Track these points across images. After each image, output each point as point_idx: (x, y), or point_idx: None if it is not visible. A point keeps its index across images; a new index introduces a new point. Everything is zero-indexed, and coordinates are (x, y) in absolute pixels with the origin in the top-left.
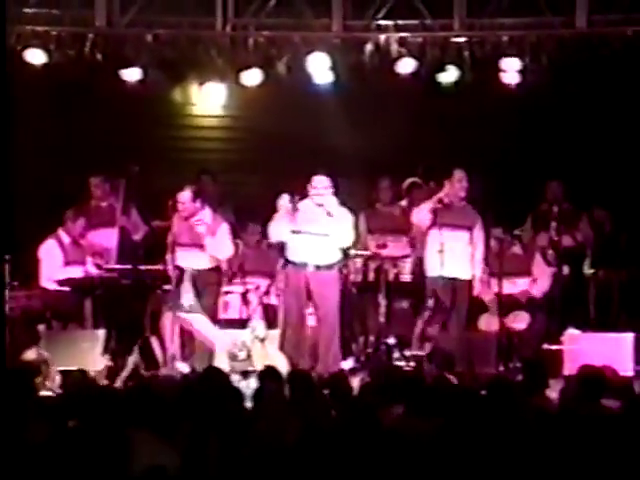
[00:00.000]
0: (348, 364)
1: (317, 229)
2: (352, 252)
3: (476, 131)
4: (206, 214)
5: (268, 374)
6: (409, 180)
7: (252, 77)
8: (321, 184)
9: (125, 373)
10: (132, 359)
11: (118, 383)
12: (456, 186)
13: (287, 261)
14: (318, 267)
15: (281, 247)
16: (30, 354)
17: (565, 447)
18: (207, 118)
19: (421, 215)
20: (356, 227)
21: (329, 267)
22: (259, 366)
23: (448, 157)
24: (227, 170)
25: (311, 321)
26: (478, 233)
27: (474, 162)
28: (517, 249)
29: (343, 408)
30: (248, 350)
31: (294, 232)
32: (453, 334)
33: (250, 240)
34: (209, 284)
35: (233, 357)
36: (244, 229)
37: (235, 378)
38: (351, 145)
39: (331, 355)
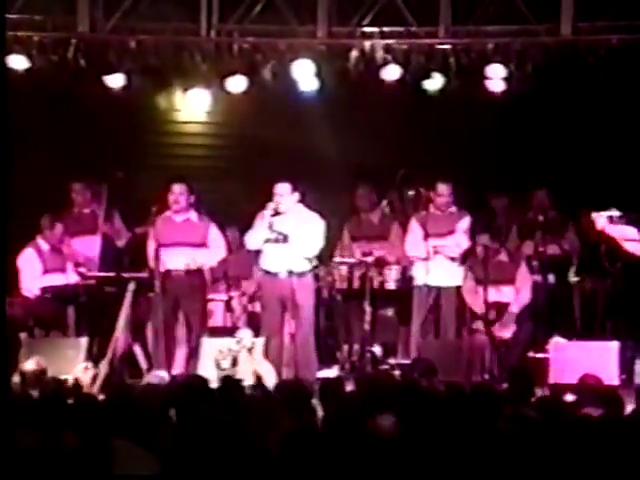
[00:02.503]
0: (333, 372)
1: (283, 237)
2: (337, 259)
3: (461, 138)
4: (192, 215)
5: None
6: (384, 202)
7: (237, 84)
8: (283, 191)
9: (99, 381)
10: (103, 366)
11: (94, 390)
12: (437, 200)
13: (263, 270)
14: (290, 275)
15: (258, 255)
16: (29, 364)
17: (547, 455)
18: (191, 125)
19: (415, 247)
20: (339, 235)
21: (301, 275)
22: (247, 375)
23: (433, 164)
24: (211, 177)
25: (289, 329)
26: (461, 235)
27: (459, 170)
28: (503, 256)
29: (332, 417)
30: (234, 358)
31: (267, 241)
32: (438, 342)
33: (230, 245)
34: (194, 287)
35: (218, 365)
36: (223, 233)
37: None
38: (336, 152)
39: (307, 362)
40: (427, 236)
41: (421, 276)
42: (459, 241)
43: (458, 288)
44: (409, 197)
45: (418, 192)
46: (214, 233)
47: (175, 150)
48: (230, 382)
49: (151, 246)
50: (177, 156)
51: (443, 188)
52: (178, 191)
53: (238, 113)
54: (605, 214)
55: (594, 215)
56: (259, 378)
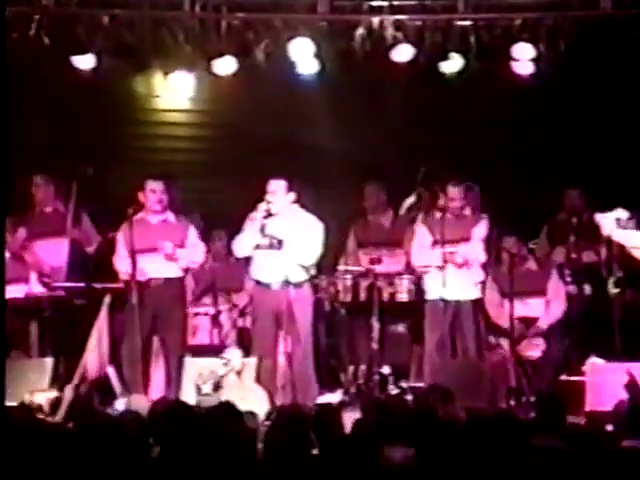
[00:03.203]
0: (335, 398)
1: (273, 242)
2: (341, 268)
3: (484, 129)
4: (170, 216)
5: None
6: (408, 202)
7: (225, 66)
8: (277, 190)
9: (64, 407)
10: (69, 390)
11: (57, 418)
12: (449, 205)
13: (254, 280)
14: (285, 285)
15: (248, 263)
16: (40, 397)
17: None
18: (173, 113)
19: (422, 255)
20: (344, 240)
21: (298, 285)
22: (236, 401)
23: (451, 159)
24: (196, 173)
25: (284, 347)
26: (477, 241)
27: (481, 164)
28: (532, 264)
29: (332, 449)
30: (217, 382)
31: (258, 247)
32: (456, 362)
33: (218, 251)
34: (174, 299)
35: (198, 391)
36: (209, 237)
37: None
38: (339, 145)
39: (305, 386)
40: (435, 243)
41: (436, 288)
42: (476, 250)
43: (479, 301)
44: (424, 197)
45: (429, 191)
46: (192, 237)
47: (154, 142)
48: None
49: (120, 253)
50: (156, 149)
51: (454, 192)
52: (160, 189)
53: (226, 100)
54: (612, 216)
55: (598, 217)
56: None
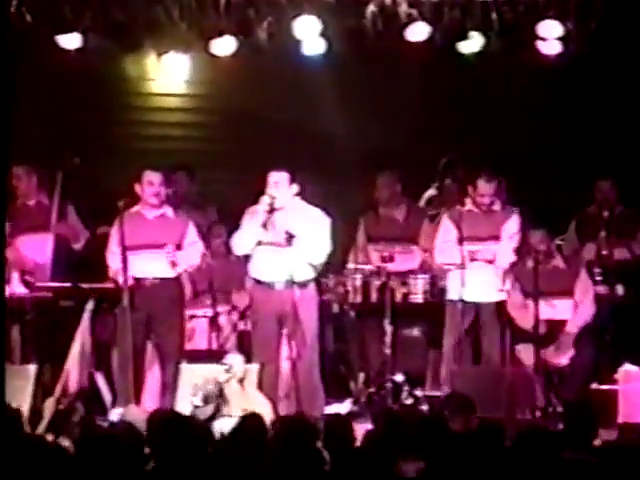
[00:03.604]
0: (344, 408)
1: (281, 238)
2: (350, 266)
3: (506, 114)
4: (168, 211)
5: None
6: (428, 193)
7: (224, 46)
8: (280, 182)
9: (46, 418)
10: (50, 402)
11: (40, 430)
12: (477, 200)
13: (254, 280)
14: (290, 285)
15: (247, 261)
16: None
17: None
18: (167, 97)
19: (447, 252)
20: (353, 236)
21: (303, 285)
22: (237, 412)
23: (471, 147)
24: (191, 163)
25: (288, 353)
26: (508, 241)
27: (504, 153)
28: (558, 262)
29: (342, 463)
30: (209, 394)
31: (260, 243)
32: (476, 370)
33: (216, 248)
34: (170, 301)
35: (191, 402)
36: (207, 232)
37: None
38: (348, 132)
39: (310, 394)
40: (462, 240)
41: (455, 288)
42: (506, 249)
43: (502, 304)
44: (450, 189)
45: (454, 182)
46: (192, 234)
47: (146, 130)
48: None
49: (112, 250)
50: (149, 137)
51: (486, 187)
52: (158, 181)
53: (225, 83)
54: None
55: None
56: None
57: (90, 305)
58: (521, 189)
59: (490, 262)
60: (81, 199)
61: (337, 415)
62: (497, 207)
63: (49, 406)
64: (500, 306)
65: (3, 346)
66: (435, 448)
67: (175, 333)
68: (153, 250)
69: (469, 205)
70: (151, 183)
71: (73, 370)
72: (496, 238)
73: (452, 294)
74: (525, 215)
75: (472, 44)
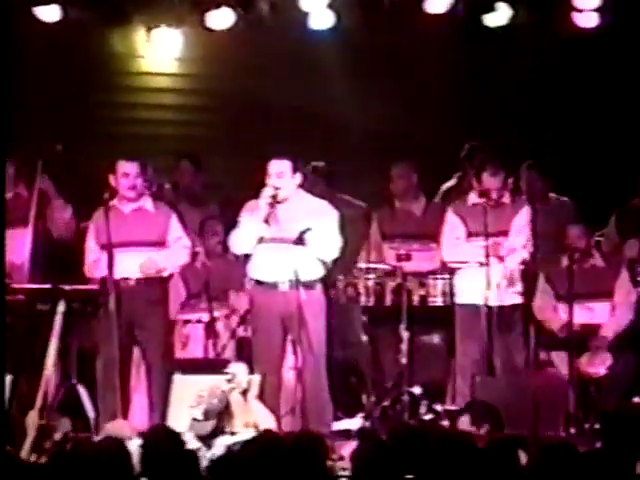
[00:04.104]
0: (355, 423)
1: (285, 233)
2: (362, 265)
3: (538, 95)
4: (147, 203)
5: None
6: (448, 185)
7: (221, 19)
8: (282, 171)
9: (31, 435)
10: (32, 417)
11: (23, 453)
12: (485, 182)
13: (254, 280)
14: (295, 286)
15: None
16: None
17: None
18: (157, 77)
19: (456, 249)
20: (366, 232)
21: (309, 286)
22: (239, 427)
23: (498, 133)
24: (186, 150)
25: (292, 362)
26: (517, 236)
27: (536, 139)
28: (597, 260)
29: None
30: (206, 411)
31: (262, 240)
32: (500, 381)
33: (212, 246)
34: (152, 304)
35: (191, 414)
36: (200, 229)
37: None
38: (359, 116)
39: (318, 408)
40: (470, 235)
41: (470, 290)
42: (515, 243)
43: (521, 307)
44: (468, 180)
45: (472, 172)
46: (175, 228)
47: (135, 113)
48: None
49: (90, 246)
50: (138, 121)
51: (490, 182)
52: (134, 172)
53: (222, 61)
54: None
55: None
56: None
57: (62, 307)
58: (557, 179)
59: (501, 260)
60: (64, 190)
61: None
62: (506, 199)
63: (32, 420)
64: (519, 310)
65: (4, 347)
66: (459, 468)
67: (158, 340)
68: (131, 248)
69: (475, 198)
70: (126, 175)
71: (51, 380)
72: (505, 233)
73: (466, 297)
74: (560, 208)
75: (499, 16)
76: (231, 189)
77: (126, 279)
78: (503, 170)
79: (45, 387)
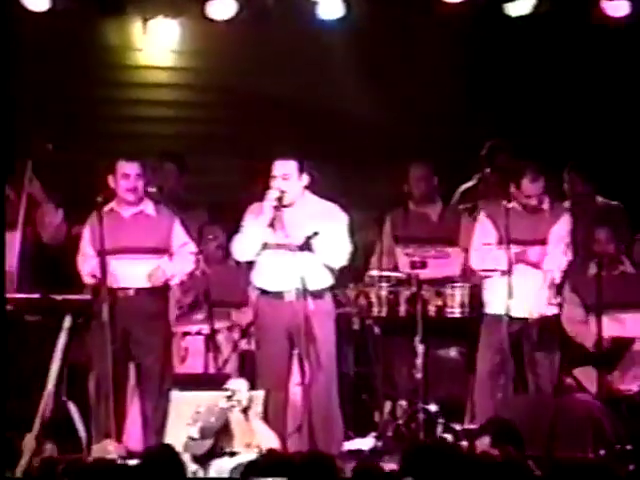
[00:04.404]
0: (368, 443)
1: (291, 239)
2: (374, 273)
3: (564, 89)
4: (149, 207)
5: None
6: (466, 186)
7: (222, 9)
8: (288, 172)
9: (23, 460)
10: (29, 439)
11: (18, 474)
12: (523, 201)
13: (258, 290)
14: (302, 296)
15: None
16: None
17: None
18: (155, 71)
19: (486, 256)
20: (378, 237)
21: (317, 295)
22: (239, 447)
23: (522, 131)
24: (186, 149)
25: (300, 377)
26: (557, 245)
27: (561, 137)
28: (627, 267)
29: None
30: (203, 428)
31: (267, 246)
32: (523, 399)
33: (212, 253)
34: (152, 316)
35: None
36: (199, 234)
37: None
38: (371, 113)
39: (327, 427)
40: (501, 242)
41: (498, 300)
42: (555, 254)
43: (553, 319)
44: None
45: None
46: (180, 234)
47: (130, 109)
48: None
49: (85, 252)
50: (134, 118)
51: (531, 188)
52: (135, 173)
53: (224, 54)
54: None
55: None
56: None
57: (67, 322)
58: (585, 179)
59: (536, 269)
60: (55, 192)
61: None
62: (545, 205)
63: (29, 444)
64: (551, 322)
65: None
66: None
67: (157, 355)
68: (131, 255)
69: (512, 202)
70: (126, 176)
71: (50, 401)
72: (543, 242)
73: (493, 307)
74: (609, 214)
75: (522, 5)
76: (231, 190)
77: (124, 289)
78: (543, 175)
79: (44, 409)
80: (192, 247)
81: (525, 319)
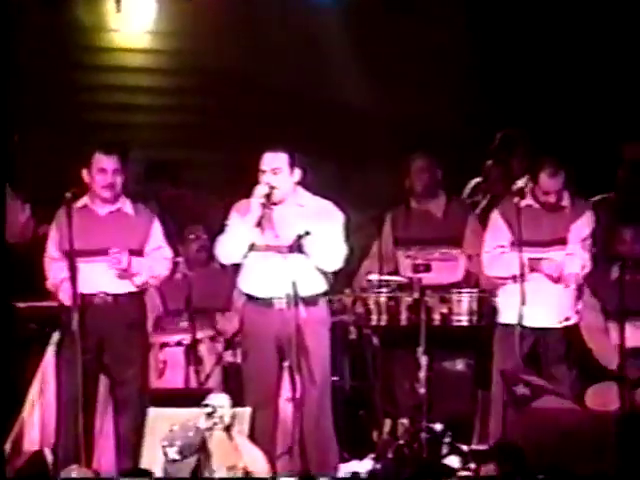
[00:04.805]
0: (365, 465)
1: (281, 240)
2: (373, 277)
3: (586, 72)
4: (127, 205)
5: None
6: (474, 182)
7: None
8: (278, 166)
9: None
10: None
11: None
12: (541, 198)
13: (245, 296)
14: (293, 302)
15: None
16: None
17: None
18: (130, 54)
19: (500, 260)
20: (376, 238)
21: (310, 302)
22: (222, 470)
23: (539, 121)
24: (163, 141)
25: (290, 392)
26: (578, 246)
27: (582, 127)
28: None
29: None
30: (183, 446)
31: (254, 248)
32: (540, 419)
33: (194, 255)
34: (127, 325)
35: (165, 454)
36: (179, 235)
37: None
38: (370, 101)
39: (320, 448)
40: (518, 244)
41: (511, 309)
42: (576, 257)
43: (572, 330)
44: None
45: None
46: (157, 236)
47: (103, 96)
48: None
49: (52, 255)
50: (107, 106)
51: (550, 184)
52: (112, 167)
53: (206, 36)
54: None
55: None
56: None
57: (55, 337)
58: (605, 175)
59: (556, 274)
60: (20, 187)
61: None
62: (565, 202)
63: None
64: (570, 332)
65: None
66: None
67: (134, 368)
68: (104, 257)
69: (528, 199)
70: (103, 171)
71: (31, 423)
72: (562, 242)
73: (506, 316)
74: (609, 208)
75: None
76: (214, 186)
77: (98, 295)
78: (562, 168)
79: (20, 431)
80: (167, 252)
81: (542, 329)
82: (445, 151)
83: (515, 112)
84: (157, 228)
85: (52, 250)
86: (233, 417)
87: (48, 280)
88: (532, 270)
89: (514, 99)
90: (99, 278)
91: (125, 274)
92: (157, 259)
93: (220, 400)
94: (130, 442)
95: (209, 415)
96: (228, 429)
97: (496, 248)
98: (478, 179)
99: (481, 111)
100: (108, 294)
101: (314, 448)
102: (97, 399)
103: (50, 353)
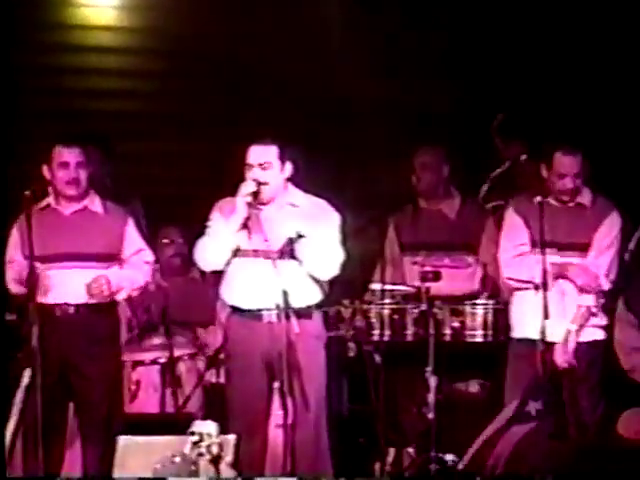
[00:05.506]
0: None
1: (270, 244)
2: (375, 287)
3: (604, 54)
4: (96, 204)
5: None
6: (498, 171)
7: None
8: (267, 160)
9: None
10: None
11: None
12: (556, 185)
13: (230, 307)
14: (284, 314)
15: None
16: None
17: None
18: (100, 33)
19: (518, 262)
20: (379, 242)
21: (303, 315)
22: None
23: (551, 102)
24: (134, 130)
25: (281, 417)
26: (603, 252)
27: (601, 112)
28: None
29: None
30: (184, 471)
31: (240, 253)
32: (561, 446)
33: (170, 261)
34: (93, 340)
35: None
36: (153, 237)
37: None
38: (371, 89)
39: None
40: (535, 245)
41: (530, 321)
42: (601, 263)
43: (599, 345)
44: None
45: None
46: (134, 238)
47: (68, 80)
48: None
49: (13, 261)
50: (72, 91)
51: (566, 163)
52: (75, 161)
53: (183, 11)
54: None
55: None
56: None
57: (27, 375)
58: (625, 168)
59: (578, 282)
60: None
61: None
62: (586, 199)
63: None
64: (597, 349)
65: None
66: None
67: (102, 390)
68: (71, 263)
69: (547, 196)
70: (65, 165)
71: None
72: (585, 247)
73: (523, 329)
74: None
75: None
76: (194, 182)
77: (64, 305)
78: (580, 152)
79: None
80: (148, 255)
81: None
82: (455, 145)
83: (530, 117)
84: (132, 229)
85: (13, 254)
86: (221, 447)
87: (10, 289)
88: (557, 277)
89: (537, 86)
90: (65, 286)
91: (110, 296)
92: (138, 265)
93: (208, 427)
94: (98, 473)
95: (195, 444)
96: (217, 461)
97: (516, 247)
98: (500, 170)
99: (497, 102)
100: (71, 305)
101: (308, 477)
102: (64, 426)
103: (20, 393)
